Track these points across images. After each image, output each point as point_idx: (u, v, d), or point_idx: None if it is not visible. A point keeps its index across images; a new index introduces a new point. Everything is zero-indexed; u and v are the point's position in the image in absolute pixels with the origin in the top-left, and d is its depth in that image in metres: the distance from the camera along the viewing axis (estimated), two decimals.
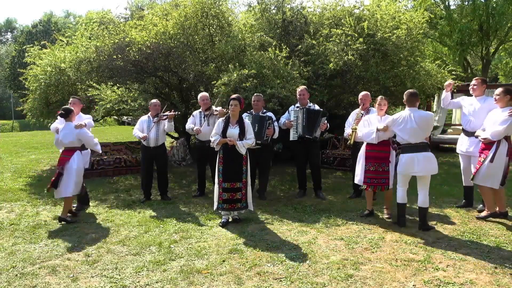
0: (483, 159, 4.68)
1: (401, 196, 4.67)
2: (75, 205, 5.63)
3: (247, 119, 5.30)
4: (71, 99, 5.77)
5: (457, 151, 5.40)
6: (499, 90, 4.71)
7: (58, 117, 5.34)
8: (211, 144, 4.94)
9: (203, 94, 6.23)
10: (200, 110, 6.22)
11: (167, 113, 6.04)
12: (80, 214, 5.43)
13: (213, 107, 6.08)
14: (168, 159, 7.02)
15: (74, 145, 5.12)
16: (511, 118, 4.49)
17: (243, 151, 4.81)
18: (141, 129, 6.06)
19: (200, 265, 3.69)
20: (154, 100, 6.22)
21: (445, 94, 5.49)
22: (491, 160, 4.59)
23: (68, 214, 5.17)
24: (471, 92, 5.30)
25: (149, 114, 6.14)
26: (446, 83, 5.48)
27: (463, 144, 5.24)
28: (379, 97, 5.00)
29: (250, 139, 4.86)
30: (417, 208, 4.62)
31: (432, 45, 18.84)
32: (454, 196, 5.86)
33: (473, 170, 4.89)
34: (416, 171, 4.48)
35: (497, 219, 4.85)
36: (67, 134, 5.08)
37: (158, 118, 5.99)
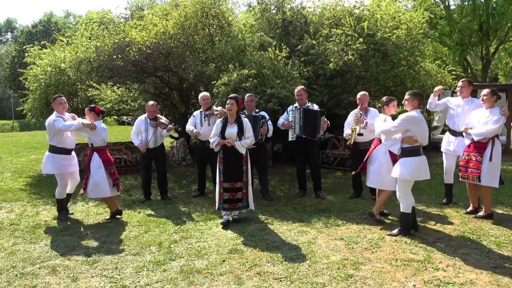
0: (479, 159, 4.74)
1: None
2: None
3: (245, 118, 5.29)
4: (58, 99, 5.11)
5: (443, 150, 5.52)
6: (486, 91, 4.85)
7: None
8: (210, 145, 4.95)
9: (204, 94, 6.22)
10: (200, 110, 6.21)
11: (166, 122, 6.01)
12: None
13: (214, 107, 6.08)
14: (167, 159, 7.00)
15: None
16: (503, 117, 4.66)
17: (242, 150, 4.80)
18: (138, 132, 6.02)
19: (200, 265, 3.69)
20: (151, 102, 6.12)
21: (433, 99, 5.57)
22: (490, 159, 4.70)
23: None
24: (458, 93, 5.42)
25: (146, 115, 6.08)
26: (436, 88, 5.52)
27: (450, 144, 5.38)
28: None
29: (249, 138, 4.84)
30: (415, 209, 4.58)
31: (432, 45, 18.82)
32: (454, 196, 5.83)
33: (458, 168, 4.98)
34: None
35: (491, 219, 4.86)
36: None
37: (156, 124, 5.94)
